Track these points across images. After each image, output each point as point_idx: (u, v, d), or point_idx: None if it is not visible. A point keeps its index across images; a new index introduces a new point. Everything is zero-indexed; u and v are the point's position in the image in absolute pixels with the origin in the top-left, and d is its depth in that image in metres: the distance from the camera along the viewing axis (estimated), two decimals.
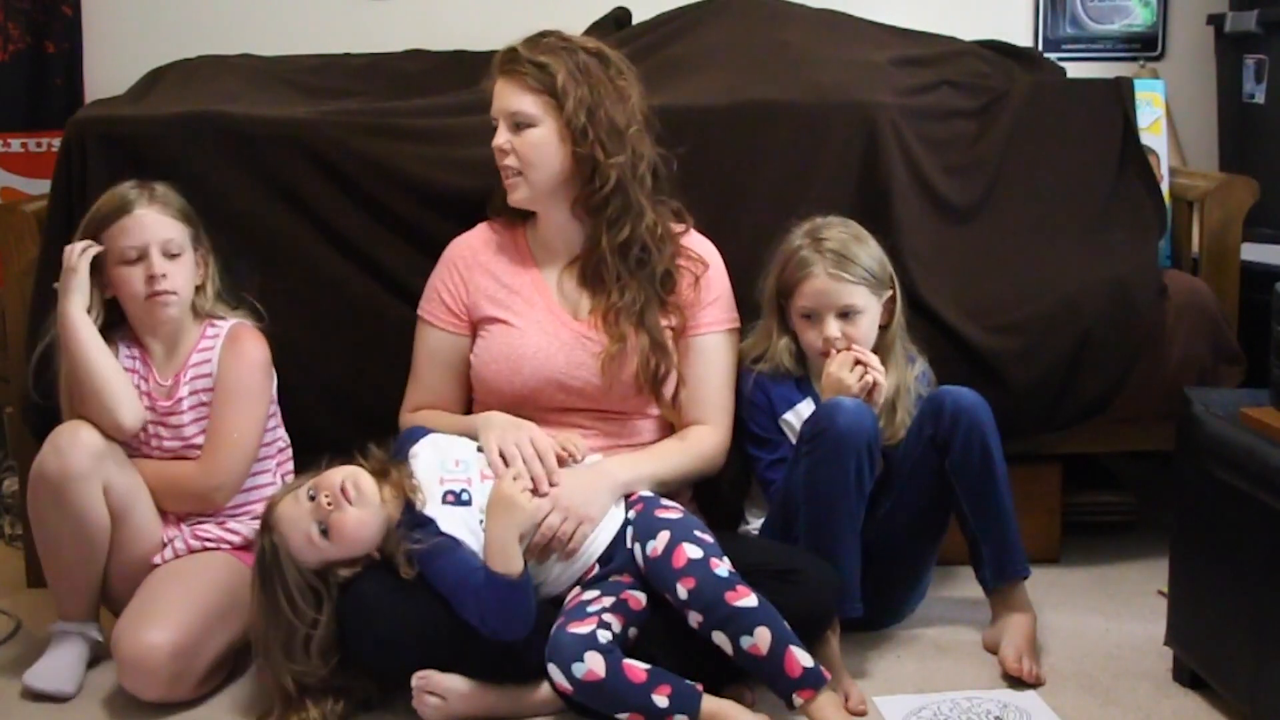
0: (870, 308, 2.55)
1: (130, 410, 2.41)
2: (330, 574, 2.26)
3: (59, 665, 2.42)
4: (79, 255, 2.41)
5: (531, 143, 2.48)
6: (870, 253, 2.56)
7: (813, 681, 2.16)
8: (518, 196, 2.52)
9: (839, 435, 2.36)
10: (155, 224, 2.47)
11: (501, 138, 2.50)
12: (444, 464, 2.35)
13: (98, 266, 2.46)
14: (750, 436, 2.60)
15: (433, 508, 2.29)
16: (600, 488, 2.38)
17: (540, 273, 2.57)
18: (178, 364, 2.53)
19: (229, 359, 2.51)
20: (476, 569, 2.22)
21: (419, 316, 2.60)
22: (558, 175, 2.50)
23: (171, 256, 2.48)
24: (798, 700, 2.16)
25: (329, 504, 2.23)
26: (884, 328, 2.58)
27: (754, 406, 2.58)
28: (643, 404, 2.54)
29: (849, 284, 2.52)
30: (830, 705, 2.17)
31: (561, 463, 2.38)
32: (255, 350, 2.53)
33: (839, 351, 2.50)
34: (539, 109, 2.47)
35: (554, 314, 2.53)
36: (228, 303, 2.59)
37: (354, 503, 2.24)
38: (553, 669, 2.19)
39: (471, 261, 2.59)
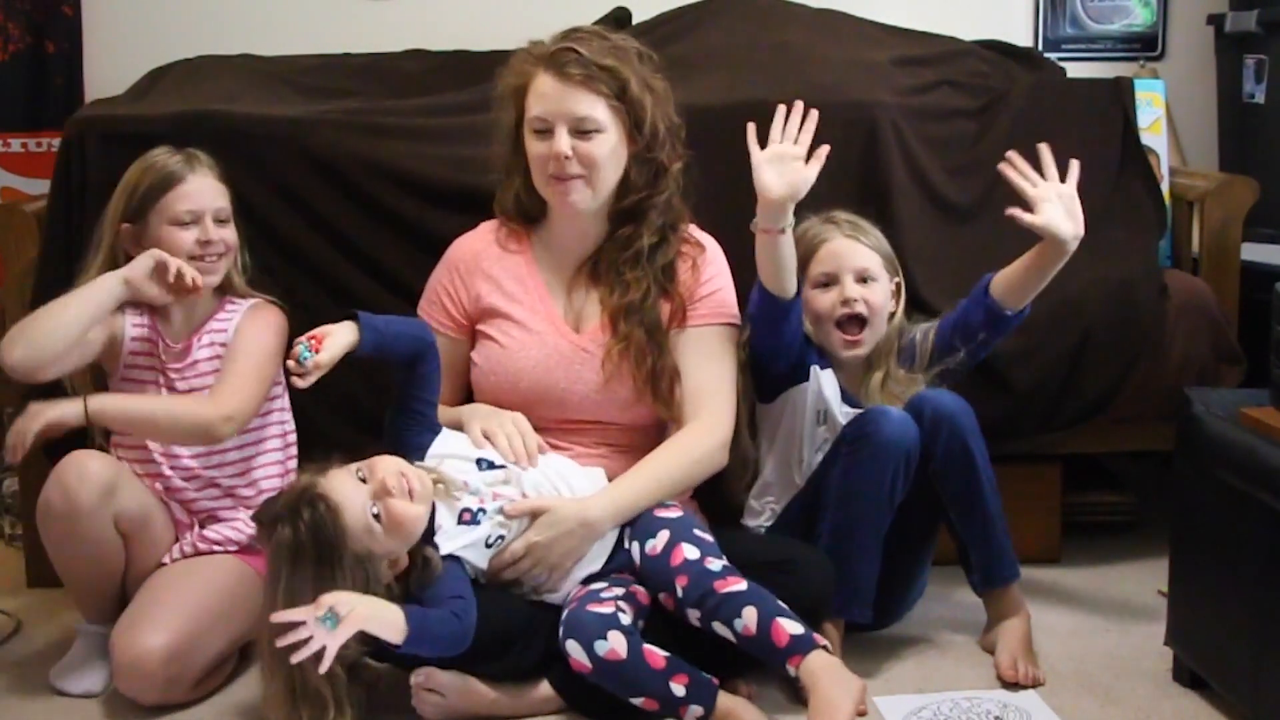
0: (883, 279, 2.55)
1: (36, 365, 2.32)
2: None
3: (84, 665, 2.42)
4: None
5: (599, 149, 2.40)
6: (878, 234, 2.60)
7: (800, 646, 2.14)
8: (579, 199, 2.42)
9: (882, 443, 2.36)
10: (211, 191, 2.49)
11: (564, 144, 2.38)
12: (454, 483, 2.30)
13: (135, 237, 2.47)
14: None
15: (449, 527, 2.25)
16: (577, 542, 2.32)
17: (544, 280, 2.52)
18: (192, 328, 2.52)
19: (246, 324, 2.50)
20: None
21: (418, 316, 2.56)
22: (617, 179, 2.46)
23: (220, 223, 2.49)
24: (790, 669, 2.15)
25: (392, 488, 2.16)
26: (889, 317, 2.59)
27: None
28: (644, 416, 2.49)
29: (865, 247, 2.55)
30: (821, 665, 2.13)
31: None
32: (275, 318, 2.52)
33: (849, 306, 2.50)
34: (607, 114, 2.41)
35: (555, 326, 2.49)
36: (251, 285, 2.59)
37: (415, 498, 2.19)
38: (573, 645, 2.17)
39: (474, 266, 2.54)
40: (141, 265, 2.41)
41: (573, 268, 2.52)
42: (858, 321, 2.53)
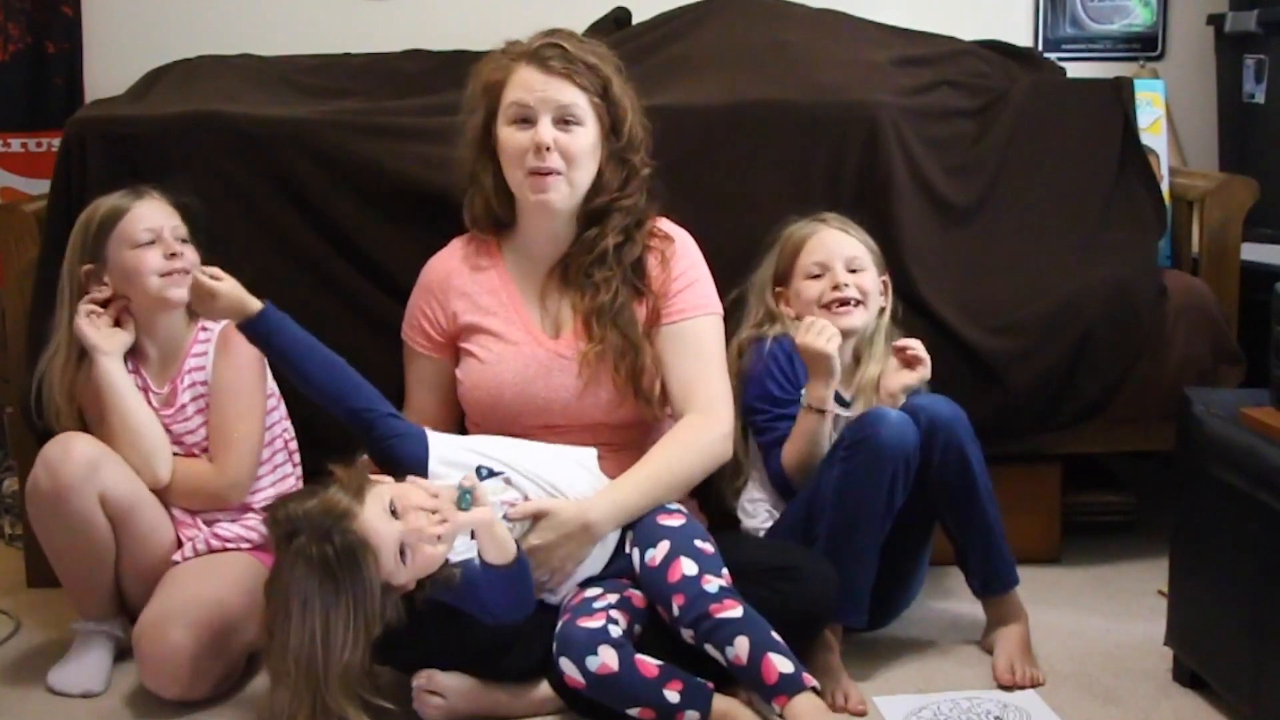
0: (872, 272, 2.58)
1: (165, 463, 2.46)
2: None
3: (83, 664, 2.43)
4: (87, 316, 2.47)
5: (580, 142, 2.40)
6: (866, 234, 2.63)
7: (787, 688, 2.12)
8: (557, 197, 2.40)
9: (880, 446, 2.35)
10: (163, 212, 2.52)
11: (547, 133, 2.37)
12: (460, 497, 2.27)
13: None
14: (759, 396, 2.54)
15: (459, 543, 2.22)
16: (578, 545, 2.31)
17: (518, 290, 2.51)
18: (173, 370, 2.53)
19: (221, 361, 2.51)
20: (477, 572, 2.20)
21: (402, 339, 2.58)
22: (592, 178, 2.44)
23: (180, 241, 2.51)
24: (776, 707, 2.14)
25: (424, 534, 2.14)
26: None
27: (774, 364, 2.52)
28: (631, 415, 2.48)
29: (855, 239, 2.59)
30: (806, 710, 2.12)
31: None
32: (246, 347, 2.51)
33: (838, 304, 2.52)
34: (588, 108, 2.41)
35: (532, 335, 2.48)
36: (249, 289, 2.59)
37: (443, 540, 2.16)
38: (565, 663, 2.18)
39: (446, 285, 2.53)
40: (80, 322, 2.45)
41: (543, 274, 2.51)
42: (849, 304, 2.54)
